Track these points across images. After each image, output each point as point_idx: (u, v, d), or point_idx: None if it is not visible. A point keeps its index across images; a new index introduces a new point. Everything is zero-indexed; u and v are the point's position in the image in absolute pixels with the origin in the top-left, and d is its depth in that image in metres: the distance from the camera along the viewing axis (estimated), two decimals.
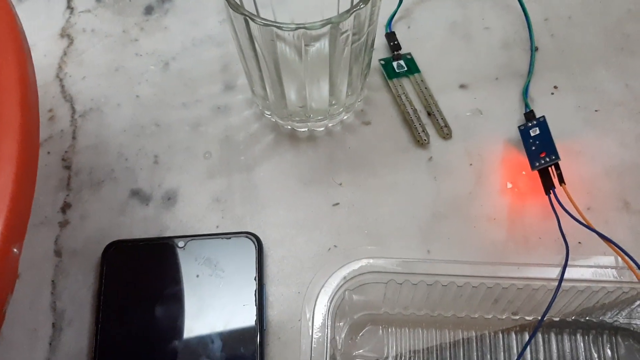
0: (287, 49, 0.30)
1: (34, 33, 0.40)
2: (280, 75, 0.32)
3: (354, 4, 0.28)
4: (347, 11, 0.28)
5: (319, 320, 0.29)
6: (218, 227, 0.35)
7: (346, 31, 0.29)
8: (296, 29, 0.28)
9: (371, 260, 0.30)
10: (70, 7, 0.42)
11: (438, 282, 0.29)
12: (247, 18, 0.28)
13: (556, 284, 0.29)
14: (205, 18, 0.41)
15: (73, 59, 0.40)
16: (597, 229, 0.33)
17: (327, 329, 0.28)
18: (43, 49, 0.40)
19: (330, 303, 0.29)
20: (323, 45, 0.29)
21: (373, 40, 0.34)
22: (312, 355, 0.28)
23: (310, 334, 0.28)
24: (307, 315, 0.28)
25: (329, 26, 0.28)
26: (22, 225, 0.24)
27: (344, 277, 0.30)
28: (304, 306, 0.29)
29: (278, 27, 0.28)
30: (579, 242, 0.34)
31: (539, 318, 0.30)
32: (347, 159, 0.37)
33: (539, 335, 0.33)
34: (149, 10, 0.42)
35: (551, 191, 0.33)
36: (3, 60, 0.23)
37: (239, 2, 0.29)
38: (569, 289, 0.30)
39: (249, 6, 0.32)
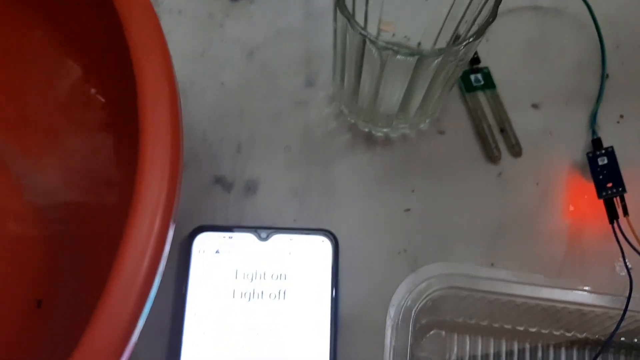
0: (396, 66, 0.31)
1: None
2: (378, 88, 0.33)
3: (467, 36, 0.29)
4: (461, 43, 0.29)
5: (398, 323, 0.31)
6: (295, 220, 0.37)
7: (455, 60, 0.30)
8: (413, 54, 0.29)
9: (442, 271, 0.33)
10: None
11: (499, 299, 0.32)
12: (367, 39, 0.29)
13: (615, 312, 0.32)
14: (290, 9, 0.42)
15: None
16: None
17: (409, 335, 0.31)
18: None
19: (413, 310, 0.31)
20: (431, 67, 0.31)
21: (466, 64, 0.35)
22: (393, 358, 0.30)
23: (390, 339, 0.31)
24: (391, 316, 0.31)
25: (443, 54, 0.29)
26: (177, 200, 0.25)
27: (417, 286, 0.32)
28: (388, 311, 0.31)
29: (395, 52, 0.29)
30: (632, 269, 0.37)
31: (590, 337, 0.33)
32: (420, 166, 0.39)
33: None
34: None
35: (615, 221, 0.36)
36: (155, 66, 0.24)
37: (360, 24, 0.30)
38: (628, 317, 0.32)
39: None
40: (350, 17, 0.29)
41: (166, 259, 0.23)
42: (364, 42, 0.29)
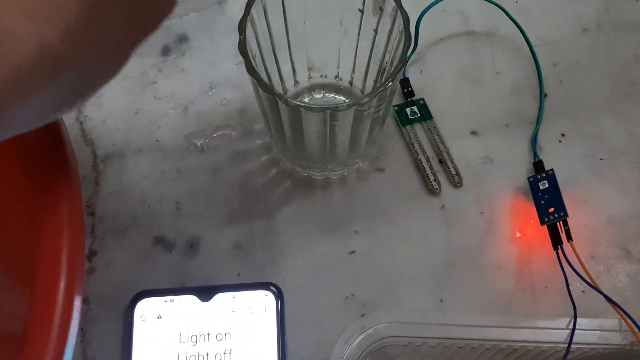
0: (311, 120, 0.31)
1: None
2: (302, 138, 0.33)
3: (377, 87, 0.29)
4: (372, 93, 0.29)
5: None
6: (240, 274, 0.37)
7: (370, 107, 0.30)
8: (324, 110, 0.29)
9: (389, 323, 0.33)
10: None
11: (455, 344, 0.31)
12: (277, 98, 0.29)
13: (563, 345, 0.31)
14: (222, 60, 0.42)
15: (93, 102, 0.41)
16: (600, 277, 0.36)
17: None
18: None
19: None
20: (348, 117, 0.31)
21: (391, 101, 0.35)
22: None
23: None
24: None
25: (355, 107, 0.29)
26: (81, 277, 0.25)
27: (364, 335, 0.32)
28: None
29: (307, 109, 0.29)
30: (583, 291, 0.36)
31: None
32: (362, 206, 0.39)
33: None
34: (166, 51, 0.42)
35: (559, 247, 0.35)
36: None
37: (268, 83, 0.30)
38: (575, 350, 0.32)
39: (266, 48, 0.33)
40: (259, 79, 0.29)
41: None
42: (276, 100, 0.29)
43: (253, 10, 0.30)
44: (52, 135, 0.27)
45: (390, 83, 0.29)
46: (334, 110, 0.29)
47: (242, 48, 0.29)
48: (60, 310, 0.23)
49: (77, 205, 0.25)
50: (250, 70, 0.29)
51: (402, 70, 0.29)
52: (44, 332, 0.23)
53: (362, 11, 0.33)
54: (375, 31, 0.33)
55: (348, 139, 0.34)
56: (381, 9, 0.31)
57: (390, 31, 0.32)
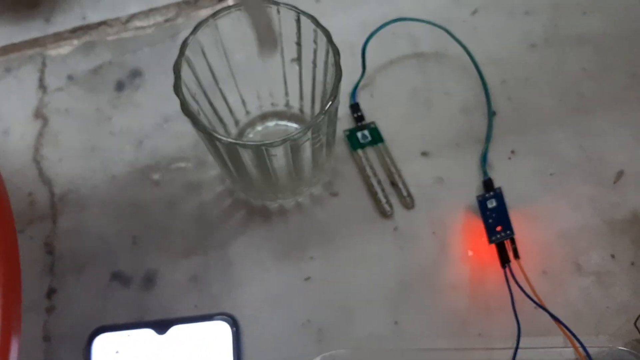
0: (248, 155, 0.31)
1: (9, 114, 0.42)
2: (245, 170, 0.34)
3: (309, 121, 0.30)
4: (305, 128, 0.29)
5: None
6: (196, 306, 0.37)
7: (307, 139, 0.31)
8: (258, 146, 0.29)
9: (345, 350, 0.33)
10: (42, 86, 0.43)
11: None
12: (211, 136, 0.29)
13: None
14: None
15: (49, 140, 0.42)
16: (552, 292, 0.36)
17: None
18: (19, 131, 0.42)
19: None
20: (286, 150, 0.31)
21: (334, 131, 0.35)
22: None
23: None
24: None
25: (288, 141, 0.30)
26: (18, 316, 0.25)
27: None
28: None
29: (241, 146, 0.29)
30: (535, 308, 0.36)
31: None
32: (316, 232, 0.39)
33: None
34: (120, 86, 0.43)
35: (507, 265, 0.36)
36: None
37: (199, 117, 0.30)
38: None
39: (206, 80, 0.34)
40: (194, 119, 0.30)
41: None
42: (211, 137, 0.30)
43: (188, 52, 0.31)
44: None
45: (323, 116, 0.30)
46: (267, 146, 0.29)
47: (177, 89, 0.30)
48: None
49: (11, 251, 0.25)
50: (186, 110, 0.30)
51: (333, 103, 0.30)
52: None
53: (298, 44, 0.33)
54: (314, 63, 0.34)
55: (291, 169, 0.34)
56: (315, 42, 0.32)
57: (326, 63, 0.32)
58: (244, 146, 0.29)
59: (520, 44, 0.44)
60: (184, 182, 0.40)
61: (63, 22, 0.45)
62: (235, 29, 0.32)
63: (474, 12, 0.45)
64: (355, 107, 0.41)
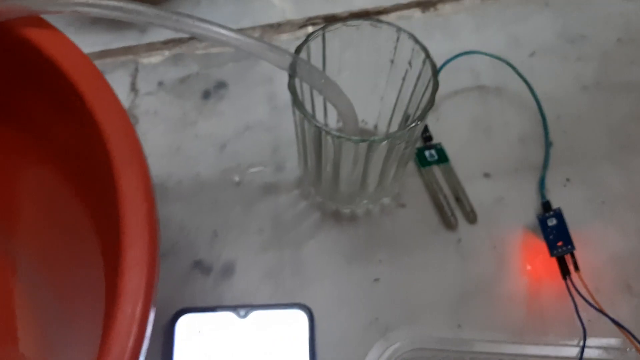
0: (350, 151, 0.34)
1: None
2: (338, 171, 0.37)
3: (409, 123, 0.33)
4: (405, 129, 0.33)
5: None
6: (271, 298, 0.40)
7: (402, 142, 0.34)
8: (362, 141, 0.33)
9: (412, 340, 0.35)
10: (134, 89, 0.47)
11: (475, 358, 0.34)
12: (321, 130, 0.33)
13: None
14: (257, 104, 0.46)
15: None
16: (605, 308, 0.39)
17: None
18: None
19: None
20: (382, 150, 0.34)
21: (417, 141, 0.39)
22: None
23: None
24: None
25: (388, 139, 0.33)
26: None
27: (390, 350, 0.35)
28: None
29: (348, 139, 0.33)
30: (589, 320, 0.39)
31: None
32: (384, 238, 0.42)
33: None
34: (206, 95, 0.47)
35: (567, 277, 0.38)
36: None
37: (311, 113, 0.34)
38: None
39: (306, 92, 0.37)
40: (306, 113, 0.33)
41: (149, 339, 0.26)
42: (320, 132, 0.33)
43: (303, 54, 0.34)
44: None
45: (421, 121, 0.33)
46: (371, 142, 0.33)
47: (292, 87, 0.33)
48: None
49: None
50: (299, 105, 0.33)
51: (429, 110, 0.33)
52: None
53: (392, 61, 0.37)
54: (404, 79, 0.38)
55: (379, 173, 0.37)
56: (410, 62, 0.36)
57: (418, 78, 0.36)
58: (350, 139, 0.32)
59: (573, 85, 0.48)
60: (262, 184, 0.43)
61: (157, 34, 0.49)
62: (338, 46, 0.36)
63: (532, 54, 0.49)
64: (424, 128, 0.45)
